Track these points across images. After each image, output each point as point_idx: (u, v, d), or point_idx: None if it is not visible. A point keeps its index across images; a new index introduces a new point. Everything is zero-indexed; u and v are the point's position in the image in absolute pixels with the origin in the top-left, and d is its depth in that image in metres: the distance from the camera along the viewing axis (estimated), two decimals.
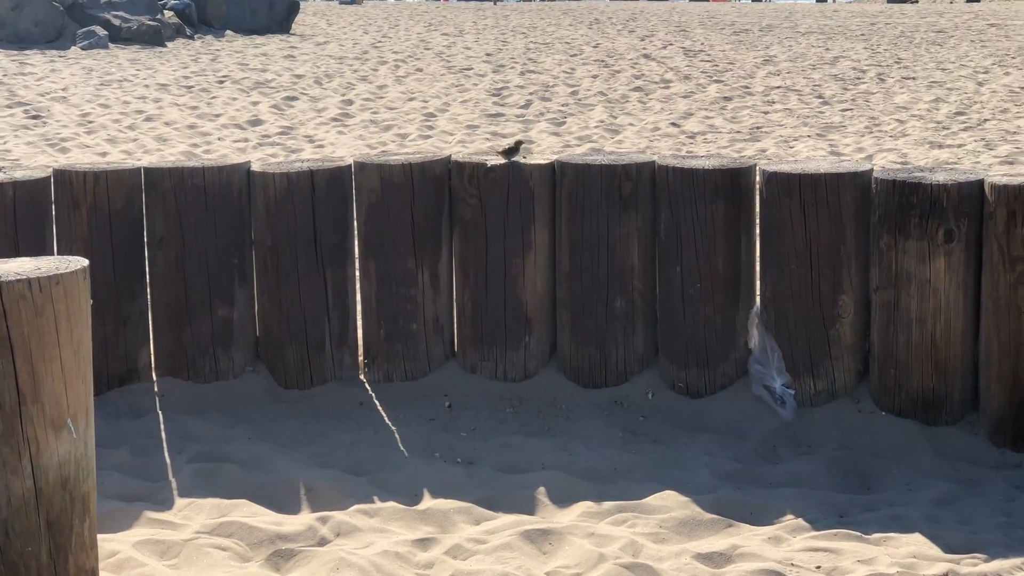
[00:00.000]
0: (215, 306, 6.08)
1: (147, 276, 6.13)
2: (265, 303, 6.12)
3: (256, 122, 15.13)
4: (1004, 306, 5.40)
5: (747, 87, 18.26)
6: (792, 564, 4.54)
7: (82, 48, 23.42)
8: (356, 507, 5.05)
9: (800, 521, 4.90)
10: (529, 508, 5.10)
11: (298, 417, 5.94)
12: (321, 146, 13.55)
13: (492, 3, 53.48)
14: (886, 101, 16.72)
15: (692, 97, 17.25)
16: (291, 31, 27.91)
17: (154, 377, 6.17)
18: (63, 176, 6.04)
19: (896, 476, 5.33)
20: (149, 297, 6.14)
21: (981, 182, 5.48)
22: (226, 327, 6.10)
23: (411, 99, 17.17)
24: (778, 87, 18.24)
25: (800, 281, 5.69)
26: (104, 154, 12.86)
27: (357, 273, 6.17)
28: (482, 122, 15.18)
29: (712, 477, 5.32)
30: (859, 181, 5.66)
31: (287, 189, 6.00)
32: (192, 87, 18.20)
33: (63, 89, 17.72)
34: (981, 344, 5.54)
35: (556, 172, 6.01)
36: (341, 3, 50.51)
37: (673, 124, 14.93)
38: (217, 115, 15.62)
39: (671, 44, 24.59)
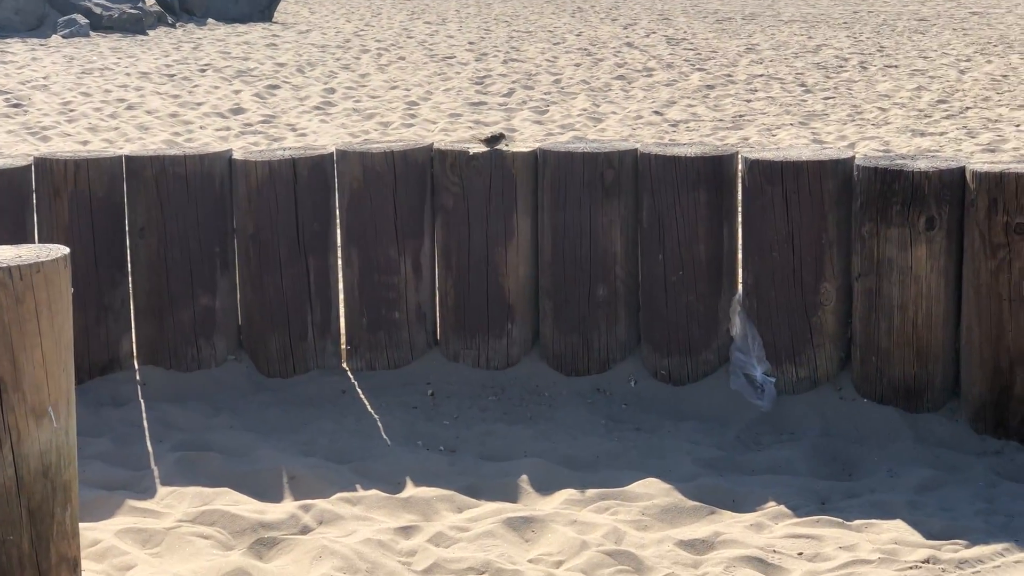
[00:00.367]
0: (197, 295, 6.07)
1: (129, 264, 6.12)
2: (247, 292, 6.11)
3: (238, 111, 15.09)
4: (985, 293, 5.41)
5: (730, 75, 18.27)
6: (774, 551, 4.55)
7: (63, 36, 23.34)
8: (339, 495, 5.05)
9: (782, 508, 4.91)
10: (512, 496, 5.10)
11: (280, 405, 5.93)
12: (303, 134, 13.52)
13: None
14: (868, 89, 16.75)
15: (675, 85, 17.26)
16: (273, 19, 27.84)
17: (136, 366, 6.16)
18: (44, 164, 6.02)
19: (878, 463, 5.35)
20: (131, 285, 6.13)
21: (963, 169, 5.50)
22: (208, 316, 6.09)
23: (393, 87, 17.14)
24: (761, 75, 18.26)
25: (782, 269, 5.70)
26: (85, 143, 12.82)
27: (339, 262, 6.16)
28: (465, 110, 15.17)
29: (694, 464, 5.33)
30: (841, 169, 5.67)
31: (269, 178, 5.99)
32: (174, 75, 18.16)
33: (44, 77, 17.66)
34: (962, 331, 5.56)
35: (539, 160, 6.00)
36: None
37: (656, 112, 14.94)
38: (199, 103, 15.58)
39: (654, 32, 24.57)
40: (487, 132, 6.16)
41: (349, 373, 6.14)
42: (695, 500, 4.97)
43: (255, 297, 6.09)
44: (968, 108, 15.07)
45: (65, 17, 24.18)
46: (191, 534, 4.68)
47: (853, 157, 5.73)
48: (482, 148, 6.00)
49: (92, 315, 6.01)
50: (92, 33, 24.08)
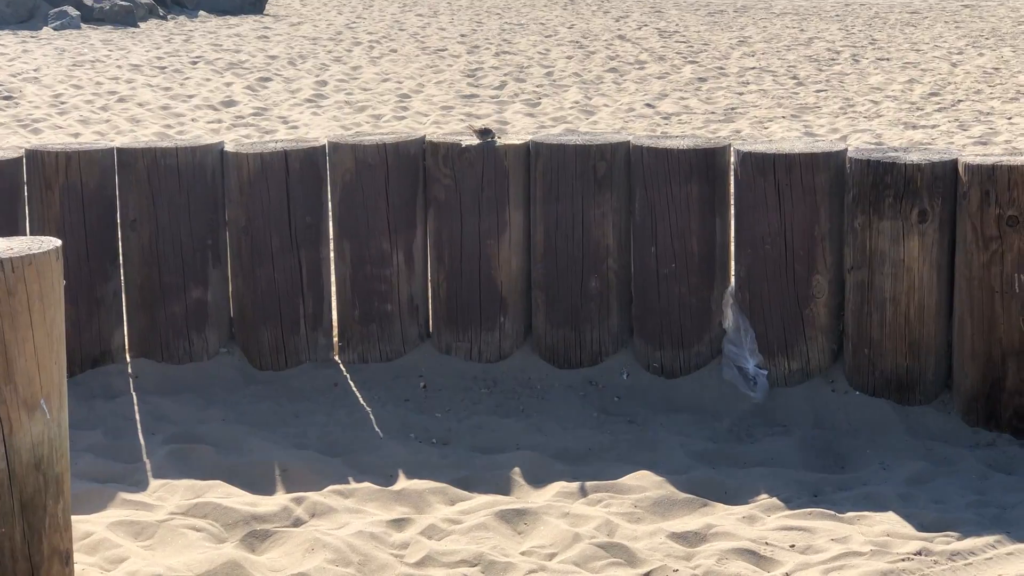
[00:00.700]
0: (189, 287, 6.06)
1: (120, 257, 6.11)
2: (239, 284, 6.11)
3: (230, 103, 15.07)
4: (977, 285, 5.42)
5: (722, 68, 18.27)
6: (766, 543, 4.56)
7: (54, 28, 23.29)
8: (331, 488, 5.05)
9: (774, 500, 4.92)
10: (504, 488, 5.10)
11: (273, 398, 5.93)
12: (295, 127, 13.51)
13: None
14: (860, 82, 16.75)
15: (667, 78, 17.25)
16: (265, 11, 27.80)
17: (128, 358, 6.15)
18: (35, 157, 6.00)
19: (870, 455, 5.35)
20: (123, 278, 6.12)
21: (955, 162, 5.50)
22: (200, 308, 6.08)
23: (385, 80, 17.13)
24: (753, 68, 18.26)
25: (774, 261, 5.70)
26: (77, 135, 12.80)
27: (332, 254, 6.15)
28: (457, 103, 15.16)
29: (686, 457, 5.33)
30: (833, 161, 5.67)
31: (261, 170, 5.98)
32: (165, 68, 18.13)
33: (35, 70, 17.63)
34: (954, 324, 5.56)
35: (531, 153, 6.00)
36: None
37: (648, 105, 14.93)
38: (190, 96, 15.56)
39: (646, 25, 24.57)
40: (479, 124, 6.16)
41: (341, 366, 6.14)
42: (687, 492, 4.98)
43: (247, 290, 6.08)
44: (960, 101, 15.09)
45: (56, 9, 24.13)
46: (183, 527, 4.68)
47: (845, 150, 5.73)
48: (474, 140, 6.00)
49: (84, 308, 6.00)
50: (83, 25, 24.03)
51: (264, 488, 5.10)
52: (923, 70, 17.84)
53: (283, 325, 6.07)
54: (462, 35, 23.08)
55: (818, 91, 16.01)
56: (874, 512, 4.80)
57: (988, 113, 14.13)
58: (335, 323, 6.20)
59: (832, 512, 4.80)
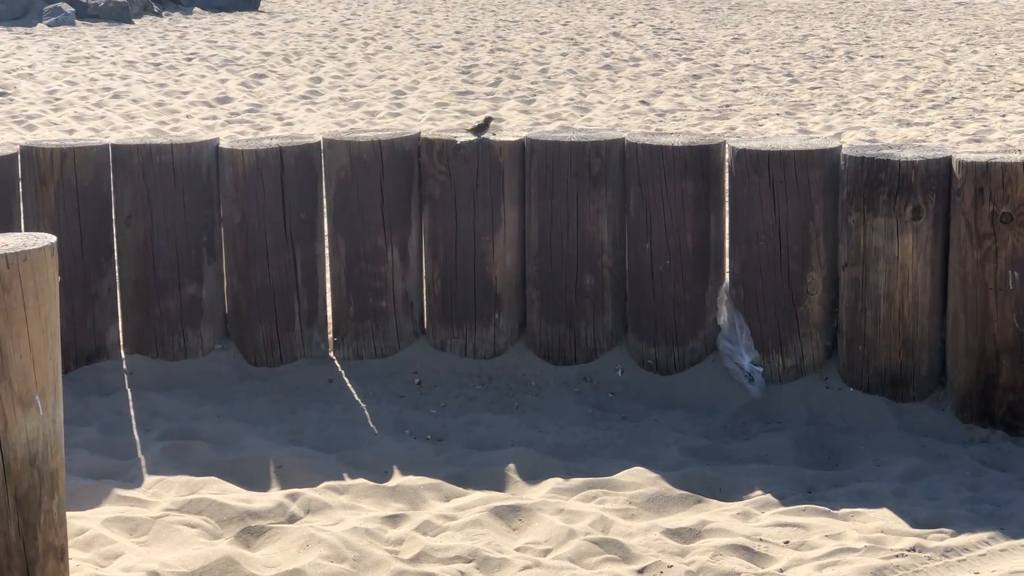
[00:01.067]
0: (184, 283, 6.06)
1: (115, 253, 6.11)
2: (234, 280, 6.11)
3: (224, 100, 15.06)
4: (971, 282, 5.43)
5: (716, 65, 18.27)
6: (761, 539, 4.56)
7: (48, 25, 23.27)
8: (326, 484, 5.05)
9: (769, 497, 4.92)
10: (499, 485, 5.11)
11: (267, 394, 5.93)
12: (290, 124, 13.51)
13: None
14: (855, 79, 16.76)
15: (661, 75, 17.26)
16: (259, 8, 27.77)
17: (123, 354, 6.15)
18: (30, 153, 6.00)
19: (864, 452, 5.36)
20: (117, 274, 6.12)
21: (949, 159, 5.51)
22: (195, 304, 6.08)
23: (380, 77, 17.12)
24: (747, 65, 18.26)
25: (769, 258, 5.71)
26: (71, 131, 12.79)
27: (326, 250, 6.15)
28: (451, 100, 15.16)
29: (681, 453, 5.34)
30: (828, 158, 5.67)
31: (256, 166, 5.98)
32: (160, 64, 18.11)
33: (29, 66, 17.61)
34: (948, 320, 5.57)
35: (526, 149, 6.01)
36: None
37: (642, 102, 14.93)
38: (185, 92, 15.54)
39: (640, 22, 24.57)
40: (474, 121, 6.16)
41: (336, 362, 6.14)
42: (682, 489, 4.98)
43: (242, 286, 6.08)
44: (954, 98, 15.10)
45: (50, 6, 24.10)
46: (178, 523, 4.68)
47: (840, 147, 5.74)
48: (469, 137, 6.00)
49: (79, 304, 6.00)
50: (78, 21, 24.01)
51: (259, 484, 5.11)
52: (917, 67, 17.85)
53: (278, 321, 6.07)
54: (457, 32, 23.08)
55: (812, 88, 16.02)
56: (868, 508, 4.81)
57: (982, 110, 14.14)
58: (330, 319, 6.21)
59: (826, 508, 4.81)
